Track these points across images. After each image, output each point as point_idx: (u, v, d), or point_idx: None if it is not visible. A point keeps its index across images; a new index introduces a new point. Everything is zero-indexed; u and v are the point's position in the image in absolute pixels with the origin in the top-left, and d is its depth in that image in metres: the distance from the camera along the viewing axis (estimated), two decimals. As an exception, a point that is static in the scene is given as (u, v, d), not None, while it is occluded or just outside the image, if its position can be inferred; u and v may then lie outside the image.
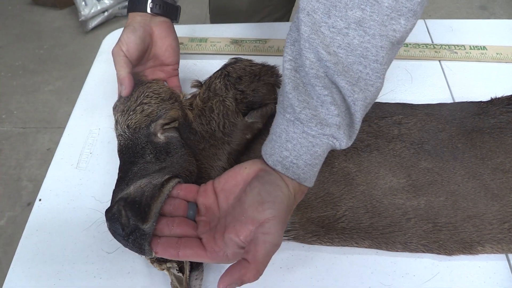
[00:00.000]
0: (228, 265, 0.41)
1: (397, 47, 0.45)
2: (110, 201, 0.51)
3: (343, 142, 0.45)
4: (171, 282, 0.50)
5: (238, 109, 0.61)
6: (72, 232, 0.58)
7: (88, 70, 0.83)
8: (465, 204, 0.56)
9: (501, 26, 0.87)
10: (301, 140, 0.45)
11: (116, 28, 0.85)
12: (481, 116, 0.65)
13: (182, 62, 0.80)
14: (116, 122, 0.60)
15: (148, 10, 0.65)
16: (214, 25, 0.92)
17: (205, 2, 1.11)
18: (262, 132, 0.64)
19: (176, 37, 0.69)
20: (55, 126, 1.92)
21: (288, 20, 1.09)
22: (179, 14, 0.70)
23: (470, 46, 0.81)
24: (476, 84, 0.75)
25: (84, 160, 0.67)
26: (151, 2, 0.65)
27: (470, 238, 0.53)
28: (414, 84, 0.75)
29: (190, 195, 0.50)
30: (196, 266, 0.51)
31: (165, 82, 0.69)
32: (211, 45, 0.84)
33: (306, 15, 0.43)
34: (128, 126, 0.58)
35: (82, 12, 2.27)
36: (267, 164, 0.47)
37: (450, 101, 0.72)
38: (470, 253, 0.53)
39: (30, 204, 1.64)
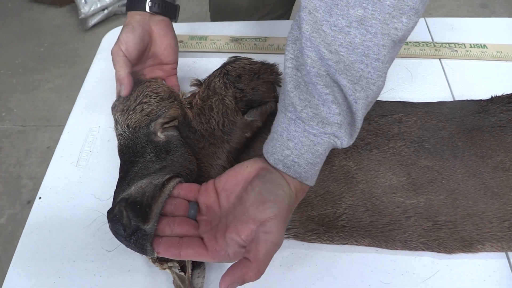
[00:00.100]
0: (229, 264, 0.41)
1: (399, 46, 0.45)
2: (110, 199, 0.51)
3: (344, 141, 0.45)
4: (173, 281, 0.50)
5: (237, 108, 0.61)
6: (72, 230, 0.58)
7: (88, 68, 0.83)
8: (465, 203, 0.56)
9: (501, 25, 0.86)
10: (302, 138, 0.45)
11: (116, 26, 0.85)
12: (481, 115, 0.65)
13: (182, 60, 0.80)
14: (116, 121, 0.60)
15: (147, 9, 0.65)
16: (214, 23, 0.92)
17: (206, 0, 1.11)
18: (261, 130, 0.64)
19: (175, 36, 0.69)
20: (55, 124, 1.92)
21: (288, 18, 1.09)
22: (178, 13, 0.70)
23: (470, 44, 0.81)
24: (476, 82, 0.74)
25: (84, 158, 0.67)
26: (150, 1, 0.65)
27: (470, 237, 0.53)
28: (414, 82, 0.75)
29: (191, 195, 0.50)
30: (198, 264, 0.51)
31: (163, 81, 0.69)
32: (211, 43, 0.84)
33: (308, 13, 0.43)
34: (128, 126, 0.58)
35: (82, 10, 2.26)
36: (268, 163, 0.47)
37: (450, 99, 0.72)
38: (470, 251, 0.53)
39: (30, 202, 1.64)
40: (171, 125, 0.59)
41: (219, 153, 0.59)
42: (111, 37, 0.89)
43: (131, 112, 0.59)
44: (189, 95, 0.67)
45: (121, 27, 0.67)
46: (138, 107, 0.59)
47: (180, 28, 0.88)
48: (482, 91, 0.70)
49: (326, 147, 0.46)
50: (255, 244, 0.41)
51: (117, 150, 0.59)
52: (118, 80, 0.61)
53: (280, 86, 0.68)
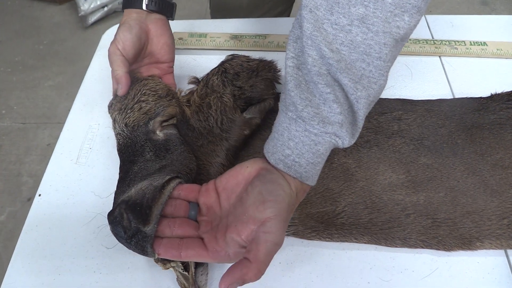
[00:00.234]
0: (230, 264, 0.41)
1: (401, 44, 0.44)
2: (110, 196, 0.51)
3: (345, 140, 0.45)
4: (177, 279, 0.50)
5: (236, 105, 0.61)
6: (72, 227, 0.58)
7: (88, 66, 0.83)
8: (464, 200, 0.56)
9: (501, 22, 0.86)
10: (303, 138, 0.45)
11: (116, 23, 0.85)
12: (481, 112, 0.65)
13: (182, 57, 0.80)
14: (114, 121, 0.60)
15: (144, 7, 0.64)
16: (213, 20, 0.92)
17: (205, -3, 1.11)
18: (260, 128, 0.64)
19: (171, 35, 0.69)
20: (55, 122, 1.92)
21: (288, 16, 1.09)
22: (174, 11, 0.70)
23: (470, 42, 0.81)
24: (476, 80, 0.74)
25: (84, 155, 0.67)
26: None
27: (469, 234, 0.53)
28: (414, 80, 0.75)
29: (191, 195, 0.50)
30: (201, 262, 0.51)
31: (160, 79, 0.68)
32: (210, 41, 0.84)
33: (309, 12, 0.43)
34: (126, 125, 0.58)
35: (81, 7, 2.26)
36: (269, 163, 0.46)
37: (450, 97, 0.71)
38: (469, 249, 0.53)
39: (30, 200, 1.64)
40: (170, 123, 0.59)
41: (217, 151, 0.59)
42: (110, 34, 0.89)
43: (129, 111, 0.58)
44: (187, 92, 0.67)
45: (118, 24, 0.67)
46: (136, 105, 0.59)
47: (180, 25, 0.88)
48: (482, 88, 0.70)
49: (327, 146, 0.45)
50: (256, 244, 0.41)
51: (116, 148, 0.59)
52: (116, 79, 0.61)
53: (279, 83, 0.68)
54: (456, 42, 0.81)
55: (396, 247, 0.54)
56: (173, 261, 0.49)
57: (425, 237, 0.53)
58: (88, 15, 2.32)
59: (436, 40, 0.81)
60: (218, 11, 1.02)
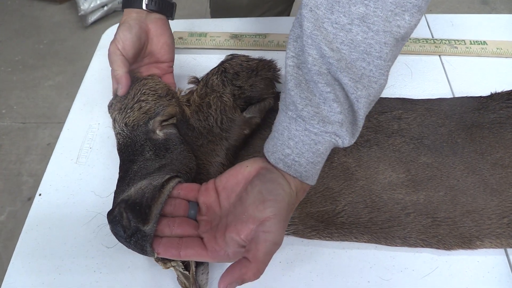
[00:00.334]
0: (230, 263, 0.41)
1: (402, 43, 0.44)
2: (110, 195, 0.51)
3: (345, 139, 0.45)
4: (177, 278, 0.50)
5: (236, 105, 0.61)
6: (72, 227, 0.58)
7: (88, 65, 0.83)
8: (464, 199, 0.56)
9: (501, 21, 0.86)
10: (303, 137, 0.45)
11: (116, 23, 0.85)
12: (481, 111, 0.65)
13: (182, 57, 0.80)
14: (114, 120, 0.60)
15: (144, 7, 0.64)
16: (213, 20, 0.92)
17: (205, -3, 1.11)
18: (260, 127, 0.64)
19: (171, 34, 0.69)
20: (55, 121, 1.92)
21: (288, 15, 1.09)
22: (174, 10, 0.70)
23: (470, 41, 0.81)
24: (476, 79, 0.74)
25: (84, 155, 0.67)
26: None
27: (469, 233, 0.53)
28: (414, 79, 0.75)
29: (191, 194, 0.50)
30: (201, 261, 0.51)
31: (160, 79, 0.68)
32: (210, 40, 0.84)
33: (309, 11, 0.42)
34: (126, 124, 0.58)
35: (81, 7, 2.26)
36: (269, 162, 0.46)
37: (450, 96, 0.71)
38: (469, 248, 0.53)
39: (30, 199, 1.64)
40: (170, 123, 0.59)
41: (217, 151, 0.59)
42: (110, 34, 0.89)
43: (129, 111, 0.58)
44: (187, 92, 0.67)
45: (118, 24, 0.67)
46: (136, 105, 0.59)
47: (180, 24, 0.87)
48: (481, 87, 0.70)
49: (327, 146, 0.45)
50: (255, 244, 0.41)
51: (116, 148, 0.59)
52: (116, 79, 0.61)
53: (279, 82, 0.68)
54: (456, 41, 0.81)
55: (396, 246, 0.54)
56: (173, 260, 0.49)
57: (425, 236, 0.53)
58: (88, 15, 2.32)
59: (436, 39, 0.81)
60: (218, 10, 1.02)
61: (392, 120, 0.64)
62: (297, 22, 0.45)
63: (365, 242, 0.54)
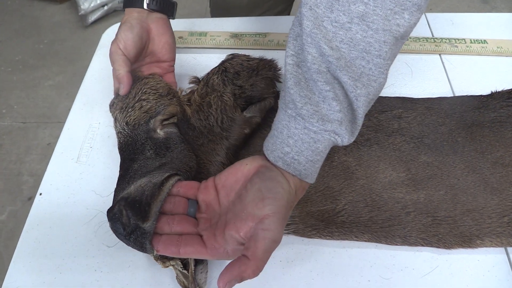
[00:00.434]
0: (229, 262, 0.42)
1: (401, 42, 0.44)
2: (110, 195, 0.51)
3: (345, 138, 0.45)
4: (176, 277, 0.50)
5: (236, 104, 0.61)
6: (73, 226, 0.58)
7: (88, 65, 0.83)
8: (464, 198, 0.56)
9: (501, 20, 0.86)
10: (302, 136, 0.45)
11: (116, 22, 0.85)
12: (481, 110, 0.65)
13: (182, 56, 0.80)
14: (115, 119, 0.60)
15: (145, 6, 0.64)
16: (214, 19, 0.92)
17: (205, -4, 1.11)
18: (261, 126, 0.64)
19: (172, 34, 0.69)
20: (55, 121, 1.92)
21: (288, 14, 1.09)
22: (175, 10, 0.70)
23: (470, 40, 0.80)
24: (476, 78, 0.74)
25: (84, 154, 0.67)
26: None
27: (469, 232, 0.53)
28: (414, 78, 0.75)
29: (190, 192, 0.50)
30: (200, 260, 0.51)
31: (161, 78, 0.68)
32: (210, 39, 0.84)
33: (309, 9, 0.43)
34: (127, 123, 0.58)
35: (81, 6, 2.26)
36: (268, 160, 0.47)
37: (450, 95, 0.71)
38: (469, 247, 0.53)
39: (30, 199, 1.64)
40: (170, 122, 0.59)
41: (218, 150, 0.59)
42: (111, 33, 0.89)
43: (130, 110, 0.59)
44: (187, 92, 0.67)
45: (119, 24, 0.67)
46: (137, 104, 0.59)
47: (180, 24, 0.88)
48: (482, 86, 0.70)
49: (326, 144, 0.45)
50: (254, 241, 0.41)
51: (117, 147, 0.59)
52: (117, 79, 0.61)
53: (280, 82, 0.68)
54: (456, 40, 0.81)
55: (396, 245, 0.54)
56: (172, 259, 0.49)
57: (425, 235, 0.54)
58: (88, 14, 2.32)
59: (436, 38, 0.81)
60: (218, 10, 1.02)
61: (392, 119, 0.64)
62: (297, 20, 0.45)
63: (365, 241, 0.55)
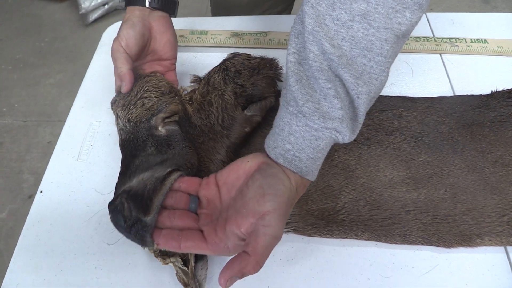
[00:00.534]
0: (231, 256, 0.42)
1: (402, 41, 0.45)
2: (111, 193, 0.52)
3: (346, 136, 0.45)
4: (176, 273, 0.50)
5: (237, 103, 0.61)
6: (73, 224, 0.59)
7: (89, 63, 0.83)
8: (464, 197, 0.56)
9: (502, 20, 0.86)
10: (303, 133, 0.45)
11: (117, 21, 0.85)
12: (481, 110, 0.65)
13: (183, 55, 0.80)
14: (117, 116, 0.60)
15: (147, 4, 0.65)
16: (214, 18, 0.92)
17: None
18: (261, 125, 0.64)
19: (174, 32, 0.69)
20: (56, 119, 1.92)
21: (289, 14, 1.09)
22: (177, 8, 0.70)
23: (471, 39, 0.81)
24: (476, 77, 0.74)
25: (85, 152, 0.67)
26: None
27: (469, 231, 0.54)
28: (415, 77, 0.75)
29: (192, 188, 0.50)
30: (200, 257, 0.51)
31: (162, 76, 0.69)
32: (211, 38, 0.84)
33: (311, 7, 0.43)
34: (128, 120, 0.58)
35: (82, 5, 2.26)
36: (270, 157, 0.47)
37: (450, 94, 0.72)
38: (469, 246, 0.53)
39: (31, 197, 1.64)
40: (172, 120, 0.59)
41: (218, 148, 0.59)
42: (111, 32, 0.89)
43: (131, 107, 0.59)
44: (189, 90, 0.67)
45: (121, 22, 0.67)
46: (139, 101, 0.59)
47: (181, 22, 0.88)
48: (482, 86, 0.70)
49: (327, 142, 0.45)
50: (254, 237, 0.41)
51: (118, 144, 0.59)
52: (119, 77, 0.61)
53: (281, 81, 0.68)
54: (457, 40, 0.81)
55: (396, 243, 0.54)
56: (172, 256, 0.49)
57: (425, 233, 0.54)
58: (89, 13, 2.32)
59: (436, 38, 0.81)
60: (219, 9, 1.02)
61: (392, 118, 0.64)
62: (299, 18, 0.45)
63: (365, 239, 0.55)
